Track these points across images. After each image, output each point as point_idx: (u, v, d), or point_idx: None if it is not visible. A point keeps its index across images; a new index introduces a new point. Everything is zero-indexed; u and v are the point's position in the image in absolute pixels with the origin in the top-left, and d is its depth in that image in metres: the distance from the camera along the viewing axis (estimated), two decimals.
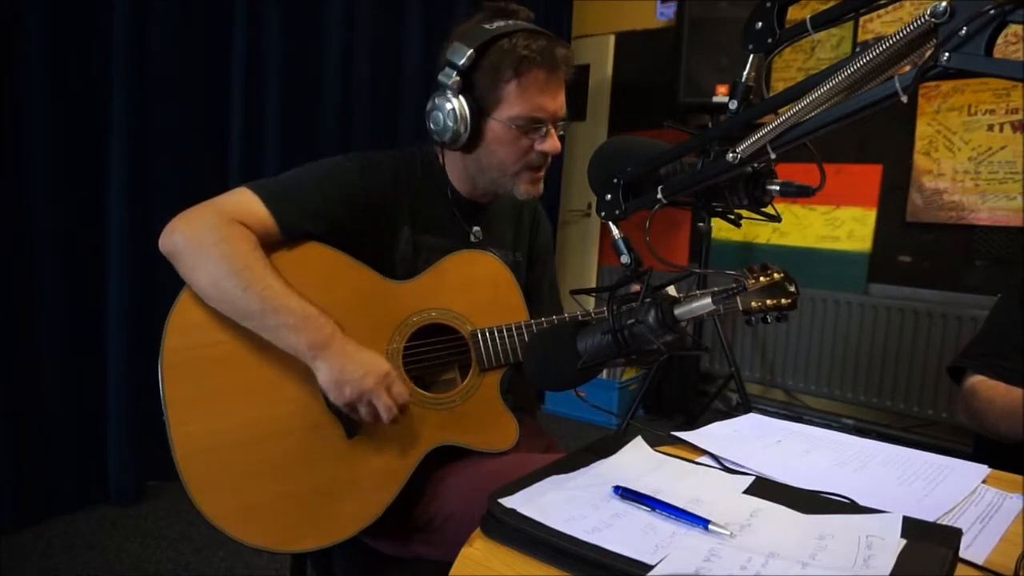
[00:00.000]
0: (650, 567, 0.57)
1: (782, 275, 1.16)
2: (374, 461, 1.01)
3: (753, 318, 1.15)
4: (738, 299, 1.14)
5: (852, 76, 0.49)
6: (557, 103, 1.09)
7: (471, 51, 1.03)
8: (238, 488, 0.94)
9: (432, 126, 1.08)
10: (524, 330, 1.10)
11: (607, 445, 0.86)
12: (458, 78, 1.04)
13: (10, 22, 1.88)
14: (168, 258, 0.98)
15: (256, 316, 0.94)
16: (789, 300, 1.15)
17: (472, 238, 1.19)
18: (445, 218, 1.17)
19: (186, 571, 1.88)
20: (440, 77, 1.06)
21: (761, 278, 1.16)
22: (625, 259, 0.69)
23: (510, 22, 1.07)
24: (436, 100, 1.07)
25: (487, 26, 1.06)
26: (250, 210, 0.99)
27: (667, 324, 0.63)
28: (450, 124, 1.06)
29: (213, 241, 0.94)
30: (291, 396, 0.98)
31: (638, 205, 0.67)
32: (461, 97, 1.05)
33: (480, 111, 1.07)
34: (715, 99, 2.84)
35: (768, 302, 1.14)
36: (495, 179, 1.12)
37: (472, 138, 1.07)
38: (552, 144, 1.10)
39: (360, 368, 0.95)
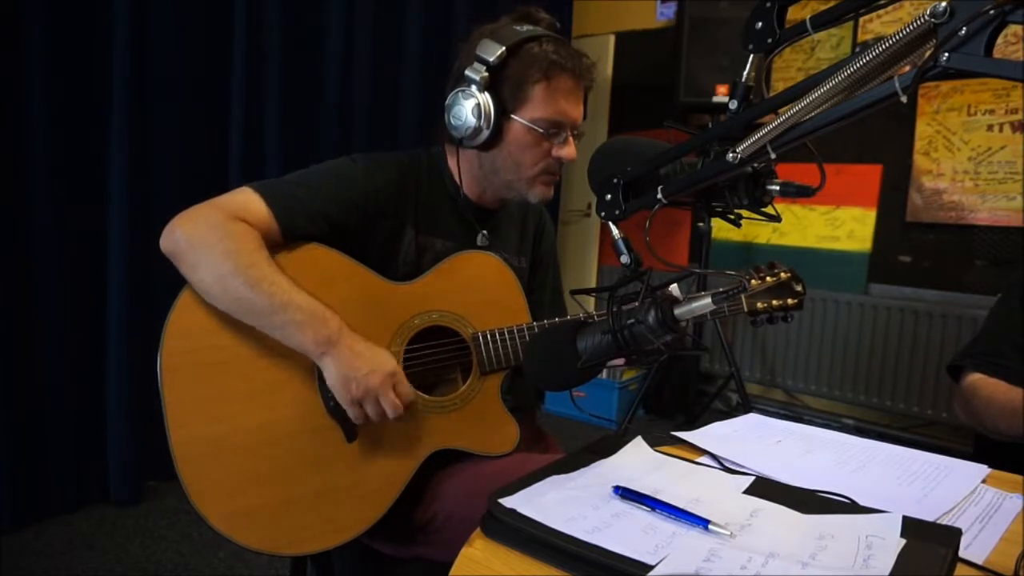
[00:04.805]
0: (650, 567, 0.57)
1: (789, 274, 1.15)
2: (374, 465, 1.01)
3: (759, 319, 1.14)
4: (744, 300, 1.13)
5: (852, 76, 0.49)
6: (578, 111, 1.10)
7: (503, 49, 1.03)
8: (238, 492, 0.94)
9: (452, 120, 1.07)
10: (526, 332, 1.10)
11: (607, 445, 0.86)
12: (487, 74, 1.04)
13: (10, 21, 1.87)
14: (169, 257, 0.96)
15: (264, 314, 0.93)
16: (796, 300, 1.14)
17: (479, 241, 1.18)
18: (451, 221, 1.16)
19: (186, 571, 1.88)
20: (467, 72, 1.05)
21: (767, 278, 1.14)
22: (625, 259, 0.69)
23: (537, 28, 1.08)
24: (460, 94, 1.06)
25: (517, 28, 1.07)
26: (252, 209, 0.98)
27: (667, 324, 0.63)
28: (472, 120, 1.05)
29: (217, 238, 0.93)
30: (291, 400, 0.98)
31: (638, 205, 0.67)
32: (487, 93, 1.05)
33: (503, 110, 1.06)
34: (715, 99, 2.85)
35: (774, 302, 1.13)
36: (509, 181, 1.12)
37: (492, 136, 1.07)
38: (569, 151, 1.10)
39: (366, 366, 0.94)
